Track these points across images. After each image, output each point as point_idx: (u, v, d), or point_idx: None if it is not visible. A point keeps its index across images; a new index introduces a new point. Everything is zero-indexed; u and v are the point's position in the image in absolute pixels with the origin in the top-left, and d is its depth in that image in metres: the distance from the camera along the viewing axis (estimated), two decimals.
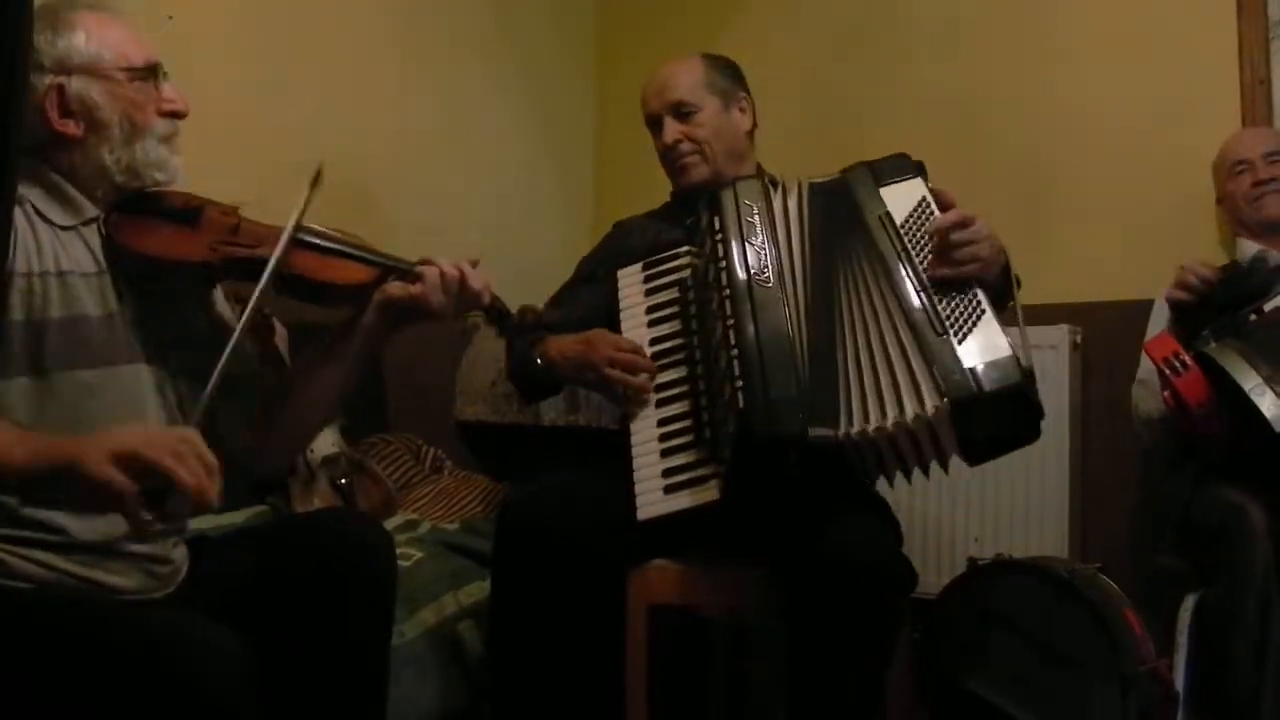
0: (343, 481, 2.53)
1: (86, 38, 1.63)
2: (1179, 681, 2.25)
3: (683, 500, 1.97)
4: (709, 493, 1.96)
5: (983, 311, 1.90)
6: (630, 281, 2.25)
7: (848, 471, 1.93)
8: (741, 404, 1.87)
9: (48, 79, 1.60)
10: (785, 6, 3.60)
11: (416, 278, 1.74)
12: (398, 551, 1.79)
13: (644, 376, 2.10)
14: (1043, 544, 2.85)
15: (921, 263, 1.95)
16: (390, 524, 2.49)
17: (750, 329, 1.93)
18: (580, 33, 4.01)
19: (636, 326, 2.19)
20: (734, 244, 2.02)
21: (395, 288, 1.75)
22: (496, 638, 2.07)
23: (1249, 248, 2.59)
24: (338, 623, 1.62)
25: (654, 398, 2.09)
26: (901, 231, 1.99)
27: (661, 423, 2.06)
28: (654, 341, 2.15)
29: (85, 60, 1.63)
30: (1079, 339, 2.97)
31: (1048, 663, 2.28)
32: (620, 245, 2.41)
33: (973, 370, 1.83)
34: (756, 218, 2.06)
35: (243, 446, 1.77)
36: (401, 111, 3.32)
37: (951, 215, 1.95)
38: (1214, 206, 2.80)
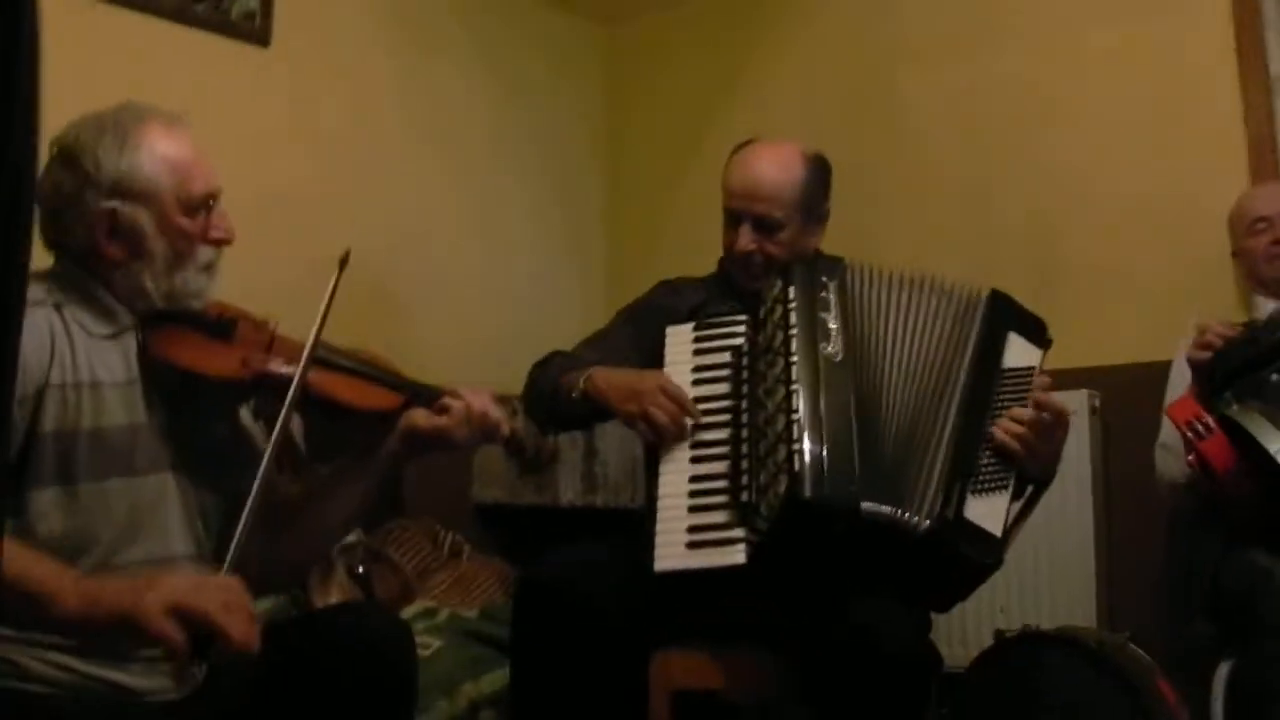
0: (360, 570, 2.51)
1: (150, 160, 1.62)
2: None
3: (705, 559, 1.92)
4: (734, 556, 1.91)
5: (1006, 487, 1.95)
6: (679, 339, 2.18)
7: (886, 550, 1.91)
8: (796, 466, 1.85)
9: (103, 202, 1.60)
10: (787, 79, 3.64)
11: (443, 408, 1.75)
12: (417, 641, 1.77)
13: (684, 421, 2.04)
14: (1070, 612, 2.82)
15: (994, 411, 1.98)
16: (408, 612, 2.47)
17: (815, 397, 1.92)
18: (591, 109, 4.06)
19: (680, 384, 2.11)
20: (806, 315, 2.01)
21: (420, 416, 1.76)
22: None
23: (1265, 305, 2.58)
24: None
25: (689, 454, 2.04)
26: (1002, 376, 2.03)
27: (694, 479, 2.01)
28: (698, 400, 2.09)
29: (143, 188, 1.62)
30: (1097, 403, 2.95)
31: None
32: (667, 302, 2.36)
33: (964, 524, 1.88)
34: (832, 295, 2.04)
35: (259, 551, 1.76)
36: (421, 194, 3.37)
37: (1056, 401, 2.00)
38: (1226, 265, 2.79)
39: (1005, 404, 2.00)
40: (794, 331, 1.99)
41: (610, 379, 2.14)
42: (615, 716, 1.97)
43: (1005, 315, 2.08)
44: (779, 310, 2.05)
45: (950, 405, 1.98)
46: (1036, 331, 2.10)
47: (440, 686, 2.22)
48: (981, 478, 1.93)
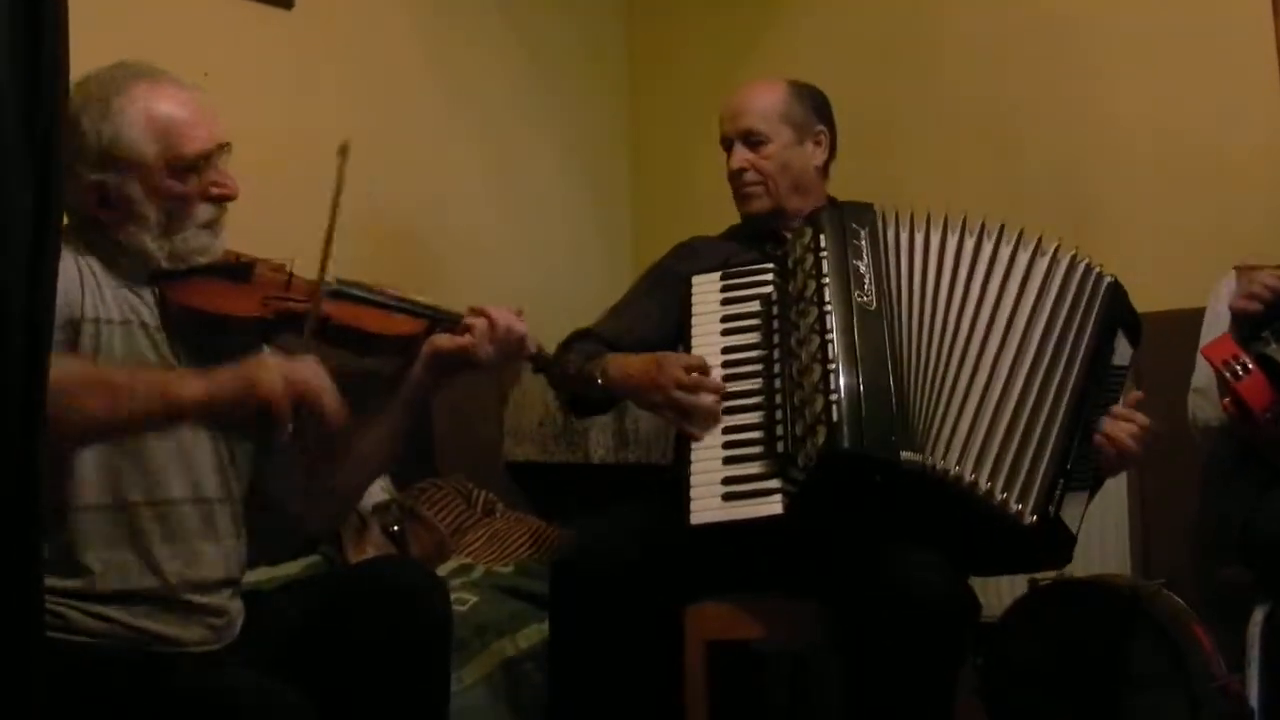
0: (395, 529, 2.53)
1: (133, 127, 1.59)
2: (1252, 697, 2.19)
3: (742, 510, 1.91)
4: (771, 506, 1.90)
5: (1091, 485, 1.98)
6: (706, 289, 2.18)
7: (923, 501, 1.91)
8: (835, 417, 1.85)
9: (91, 174, 1.58)
10: (817, 24, 3.60)
11: (465, 328, 1.75)
12: (452, 597, 1.79)
13: (711, 399, 2.01)
14: (1104, 561, 2.80)
15: (1098, 409, 2.01)
16: (444, 569, 2.49)
17: (851, 347, 1.91)
18: (614, 66, 4.02)
19: (709, 334, 2.12)
20: (839, 263, 2.00)
21: (443, 339, 1.76)
22: (556, 679, 2.06)
23: None
24: (394, 673, 1.62)
25: (720, 407, 2.02)
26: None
27: (727, 430, 2.00)
28: (727, 350, 2.09)
29: (127, 157, 1.59)
30: None
31: (1115, 683, 2.23)
32: (689, 261, 2.35)
33: (1057, 522, 1.91)
34: (864, 243, 2.03)
35: (292, 506, 1.78)
36: (445, 157, 3.36)
37: (1141, 415, 2.04)
38: (1260, 208, 2.76)
39: (1105, 404, 2.01)
40: (826, 280, 1.98)
41: (627, 369, 2.12)
42: (651, 670, 1.99)
43: (1120, 309, 2.09)
44: (810, 259, 2.03)
45: (1064, 394, 1.97)
46: (1135, 330, 2.12)
47: (479, 640, 2.24)
48: (1075, 472, 1.94)
